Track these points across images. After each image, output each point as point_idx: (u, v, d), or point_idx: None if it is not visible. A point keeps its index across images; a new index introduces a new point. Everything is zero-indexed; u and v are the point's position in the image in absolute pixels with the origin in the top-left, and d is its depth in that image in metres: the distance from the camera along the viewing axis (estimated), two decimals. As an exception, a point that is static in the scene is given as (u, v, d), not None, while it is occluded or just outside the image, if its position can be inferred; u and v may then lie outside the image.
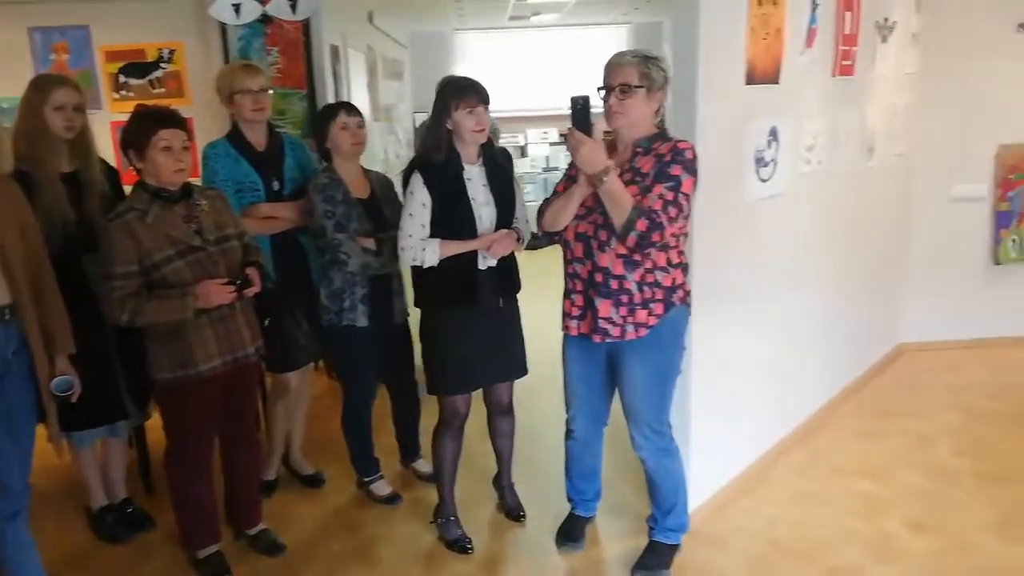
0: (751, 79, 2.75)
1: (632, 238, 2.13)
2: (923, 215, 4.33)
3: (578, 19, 7.95)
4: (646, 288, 2.27)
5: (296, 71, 3.89)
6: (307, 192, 2.75)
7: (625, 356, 2.37)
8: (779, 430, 3.35)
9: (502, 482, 2.98)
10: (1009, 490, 2.99)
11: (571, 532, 2.74)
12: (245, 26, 3.75)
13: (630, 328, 2.29)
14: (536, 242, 2.71)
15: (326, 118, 2.80)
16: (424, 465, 3.20)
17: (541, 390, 3.30)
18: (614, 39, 8.31)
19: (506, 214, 2.59)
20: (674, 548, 2.59)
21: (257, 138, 2.89)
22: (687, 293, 2.38)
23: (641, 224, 2.12)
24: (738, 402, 2.97)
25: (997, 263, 4.36)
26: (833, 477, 3.15)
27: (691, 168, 2.20)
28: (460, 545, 2.73)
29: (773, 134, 2.92)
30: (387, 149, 5.82)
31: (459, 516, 2.79)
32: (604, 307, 2.29)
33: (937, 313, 4.44)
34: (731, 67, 2.65)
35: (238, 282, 2.35)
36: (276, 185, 2.89)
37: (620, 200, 2.15)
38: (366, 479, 3.09)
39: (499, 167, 2.61)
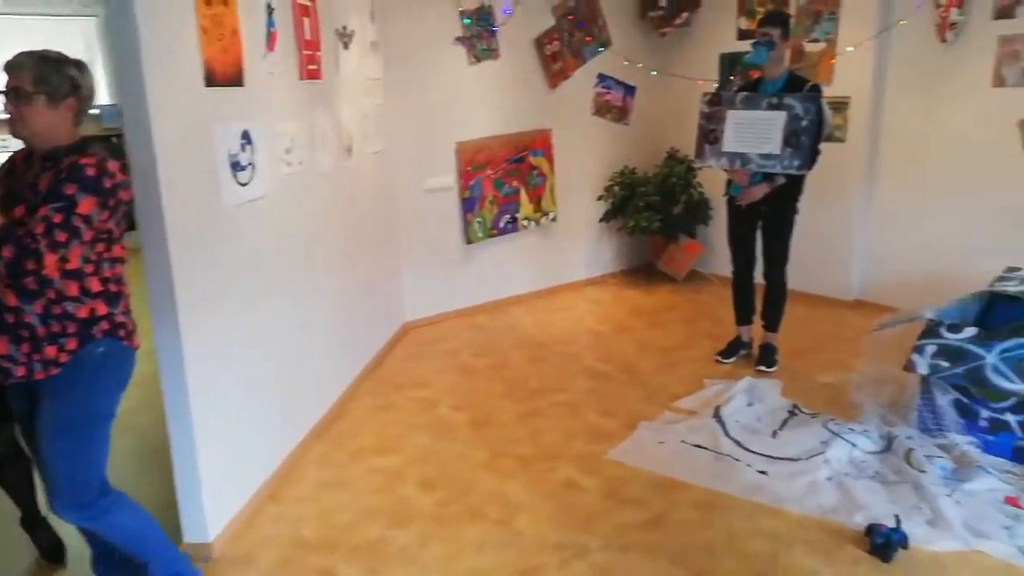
0: (212, 81, 2.67)
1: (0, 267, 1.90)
2: (406, 206, 4.84)
3: (30, 8, 6.80)
4: (53, 321, 2.02)
5: None
6: None
7: (43, 398, 2.10)
8: (301, 427, 3.41)
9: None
10: (493, 430, 3.56)
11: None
12: None
13: (37, 366, 2.03)
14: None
15: None
16: None
17: None
18: (81, 34, 7.33)
19: None
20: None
21: None
22: (117, 325, 2.13)
23: (7, 251, 1.88)
24: (250, 414, 2.92)
25: (469, 242, 5.14)
26: (353, 459, 3.33)
27: (91, 186, 1.96)
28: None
29: (246, 137, 2.89)
30: None
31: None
32: (2, 344, 2.01)
33: (429, 291, 5.04)
34: (186, 68, 2.53)
35: None
36: None
37: None
38: None
39: None
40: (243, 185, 2.88)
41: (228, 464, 2.76)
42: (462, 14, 4.81)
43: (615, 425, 3.57)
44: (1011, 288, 3.47)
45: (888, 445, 3.23)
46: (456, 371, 4.30)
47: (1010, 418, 3.06)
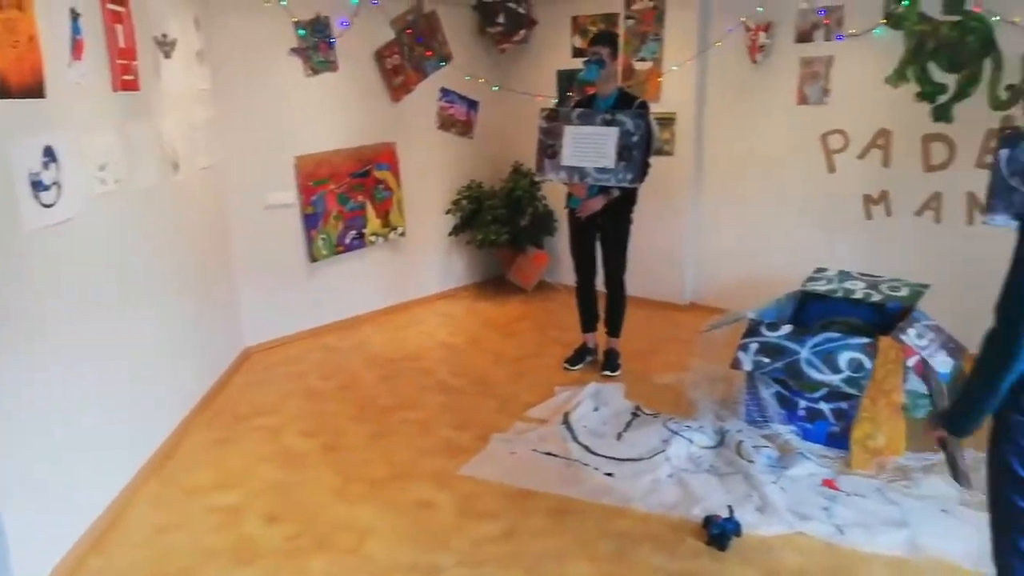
0: (6, 92, 2.39)
1: None
2: (243, 224, 4.60)
3: None
4: None
5: None
6: None
7: None
8: (128, 468, 3.13)
9: None
10: (344, 454, 3.44)
11: None
12: None
13: None
14: None
15: None
16: None
17: None
18: None
19: None
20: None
21: None
22: None
23: None
24: (67, 459, 2.64)
25: (313, 260, 4.96)
26: (190, 498, 3.10)
27: None
28: None
29: (49, 153, 2.62)
30: None
31: None
32: None
33: (272, 312, 4.81)
34: (-29, 77, 2.26)
35: None
36: None
37: None
38: None
39: None
40: (47, 207, 2.60)
41: (40, 519, 2.47)
42: (296, 25, 4.65)
43: (468, 439, 3.56)
44: (820, 287, 3.83)
45: (721, 439, 3.44)
46: (303, 395, 4.13)
47: (824, 407, 3.36)
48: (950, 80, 4.18)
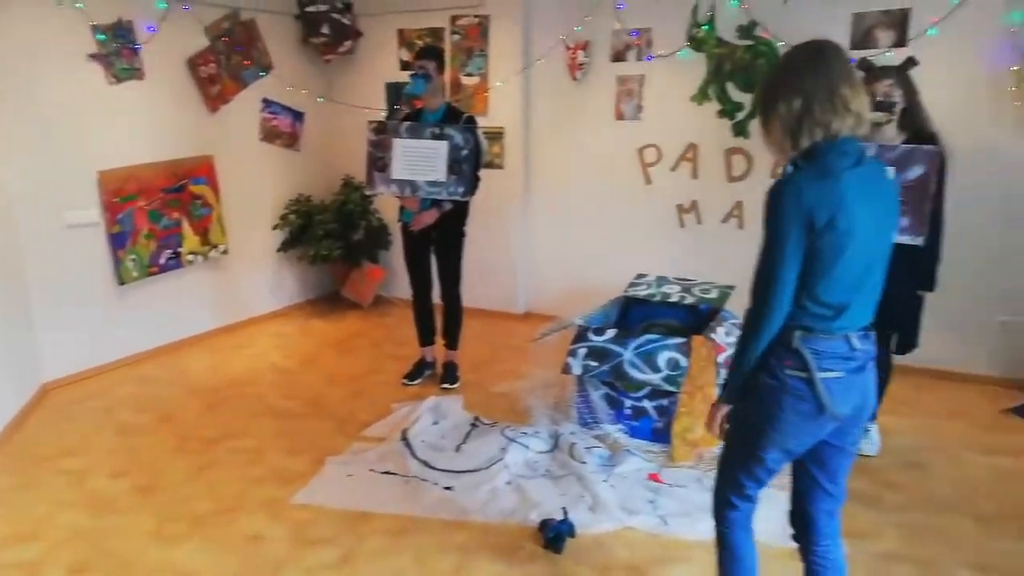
0: None
1: None
2: (39, 247, 4.15)
3: None
4: None
5: None
6: None
7: None
8: None
9: None
10: (162, 493, 3.18)
11: None
12: None
13: None
14: None
15: None
16: None
17: None
18: None
19: None
20: None
21: None
22: None
23: None
24: None
25: (122, 283, 4.56)
26: (-23, 559, 2.74)
27: None
28: None
29: None
30: None
31: None
32: None
33: (75, 343, 4.37)
34: None
35: None
36: None
37: None
38: None
39: None
40: None
41: None
42: (95, 28, 4.28)
43: (303, 464, 3.42)
44: (640, 292, 4.06)
45: (556, 443, 3.55)
46: (114, 431, 3.78)
47: (647, 404, 3.55)
48: (746, 99, 4.59)
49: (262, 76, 5.35)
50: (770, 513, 2.94)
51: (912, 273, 3.11)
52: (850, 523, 2.83)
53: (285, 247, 5.65)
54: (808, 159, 1.76)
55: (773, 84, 1.82)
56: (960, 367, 4.31)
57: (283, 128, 5.62)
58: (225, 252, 5.21)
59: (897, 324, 3.25)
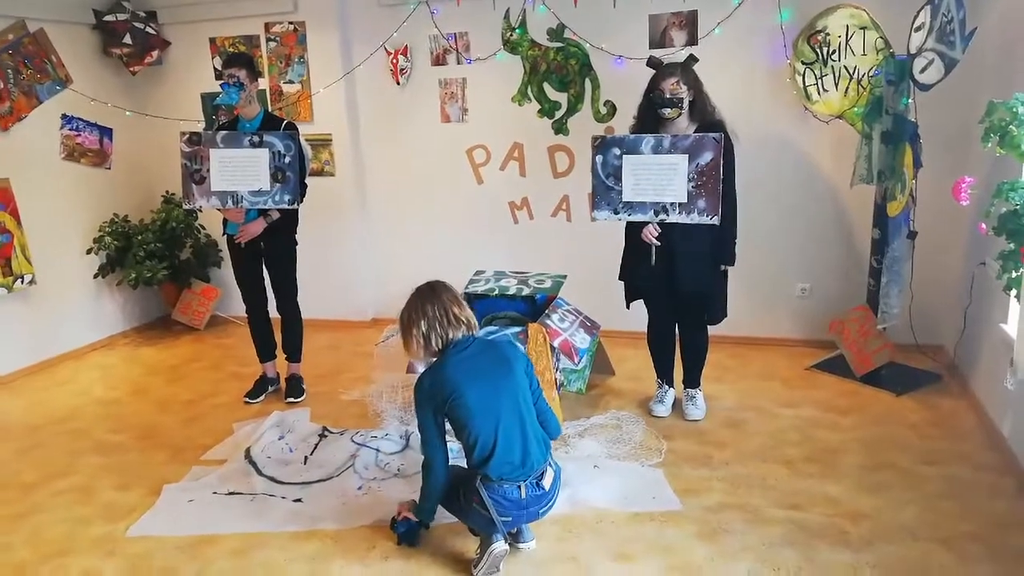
0: None
1: None
2: None
3: None
4: None
5: None
6: None
7: None
8: None
9: None
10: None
11: None
12: None
13: None
14: None
15: None
16: None
17: None
18: None
19: None
20: None
21: None
22: None
23: None
24: None
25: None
26: None
27: None
28: None
29: None
30: None
31: None
32: None
33: None
34: None
35: None
36: None
37: None
38: None
39: None
40: None
41: None
42: None
43: (137, 497, 3.23)
44: (480, 288, 4.17)
45: (407, 442, 3.57)
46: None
47: (492, 394, 3.66)
48: (563, 98, 4.84)
49: (59, 91, 4.95)
50: (609, 480, 3.14)
51: (713, 249, 3.44)
52: (684, 482, 3.12)
53: (103, 272, 5.27)
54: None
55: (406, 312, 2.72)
56: (769, 333, 4.80)
57: (89, 145, 5.23)
58: (32, 282, 4.78)
59: (706, 297, 3.57)
